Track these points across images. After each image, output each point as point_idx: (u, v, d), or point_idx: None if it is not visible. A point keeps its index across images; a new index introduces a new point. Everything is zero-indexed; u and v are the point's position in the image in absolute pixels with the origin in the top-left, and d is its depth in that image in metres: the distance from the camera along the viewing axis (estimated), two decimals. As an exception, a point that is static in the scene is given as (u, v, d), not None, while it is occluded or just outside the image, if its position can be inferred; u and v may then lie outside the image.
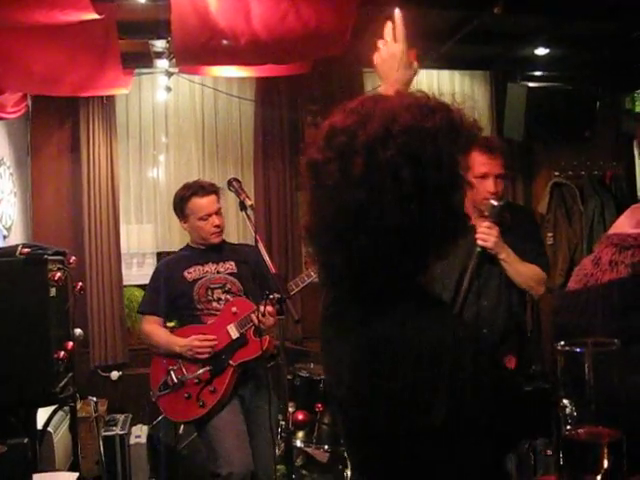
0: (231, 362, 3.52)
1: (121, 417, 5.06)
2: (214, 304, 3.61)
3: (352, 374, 1.24)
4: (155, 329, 3.65)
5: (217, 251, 3.71)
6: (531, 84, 5.00)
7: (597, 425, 0.99)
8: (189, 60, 4.18)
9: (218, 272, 3.65)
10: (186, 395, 3.52)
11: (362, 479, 1.34)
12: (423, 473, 1.17)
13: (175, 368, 3.57)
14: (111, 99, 5.40)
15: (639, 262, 1.27)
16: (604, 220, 5.75)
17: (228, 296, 3.62)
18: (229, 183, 3.36)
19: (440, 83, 6.06)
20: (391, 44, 1.66)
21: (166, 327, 3.75)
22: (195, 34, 3.66)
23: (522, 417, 1.17)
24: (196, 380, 3.51)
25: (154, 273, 3.80)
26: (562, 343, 1.03)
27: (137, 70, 5.24)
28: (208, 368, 3.49)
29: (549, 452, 3.51)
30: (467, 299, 3.02)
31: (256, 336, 3.47)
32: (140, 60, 5.04)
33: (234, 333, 3.53)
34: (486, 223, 2.98)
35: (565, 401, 1.01)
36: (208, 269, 3.65)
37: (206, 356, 3.50)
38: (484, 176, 3.02)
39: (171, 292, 3.64)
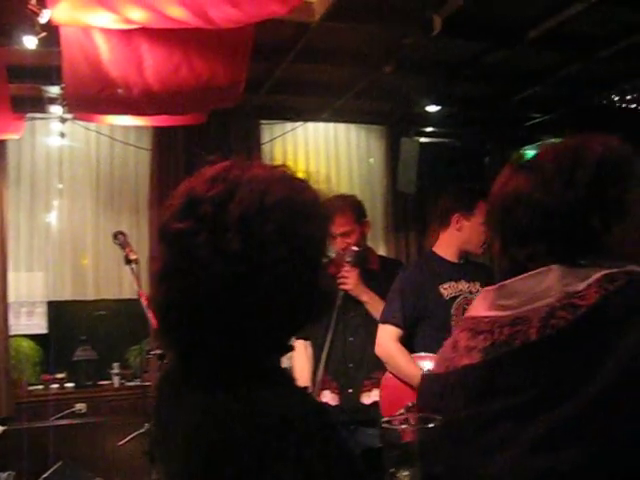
0: None
1: (4, 475, 4.82)
2: None
3: (185, 451, 1.09)
4: (397, 351, 3.20)
5: (465, 267, 3.32)
6: (423, 139, 5.18)
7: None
8: (82, 108, 4.15)
9: (471, 292, 3.24)
10: None
11: None
12: None
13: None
14: (2, 144, 5.27)
15: (491, 346, 1.22)
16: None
17: None
18: (114, 236, 3.27)
19: (337, 136, 6.23)
20: None
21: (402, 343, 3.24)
22: (87, 83, 3.63)
23: None
24: None
25: (398, 281, 3.33)
26: (385, 420, 1.08)
27: (30, 115, 5.16)
28: None
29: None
30: (334, 336, 3.20)
31: None
32: (34, 105, 4.96)
33: None
34: (346, 267, 3.32)
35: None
36: (462, 287, 3.28)
37: None
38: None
39: (420, 307, 3.24)
